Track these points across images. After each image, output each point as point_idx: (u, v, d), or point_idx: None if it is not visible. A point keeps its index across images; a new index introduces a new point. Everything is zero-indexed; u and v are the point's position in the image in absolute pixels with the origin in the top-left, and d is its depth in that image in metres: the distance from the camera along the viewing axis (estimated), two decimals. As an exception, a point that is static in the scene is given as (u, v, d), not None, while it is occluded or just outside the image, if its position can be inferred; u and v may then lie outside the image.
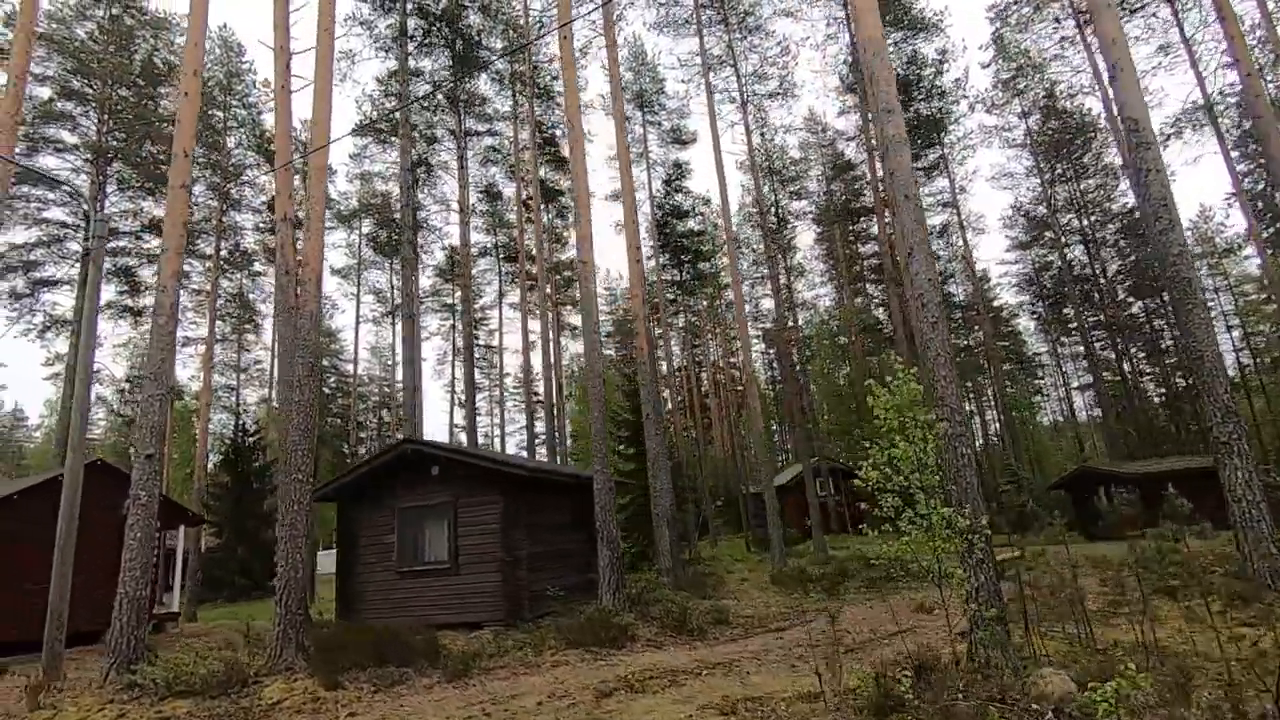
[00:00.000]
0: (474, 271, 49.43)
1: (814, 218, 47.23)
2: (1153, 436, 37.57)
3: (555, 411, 34.61)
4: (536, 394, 69.49)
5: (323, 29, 10.44)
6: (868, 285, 50.42)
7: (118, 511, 17.61)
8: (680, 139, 34.94)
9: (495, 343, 55.57)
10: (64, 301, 31.47)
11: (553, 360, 32.59)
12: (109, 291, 32.94)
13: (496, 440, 53.13)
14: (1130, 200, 39.83)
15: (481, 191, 36.13)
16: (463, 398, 62.81)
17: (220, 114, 32.55)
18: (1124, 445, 36.04)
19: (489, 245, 41.95)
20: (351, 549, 11.72)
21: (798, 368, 42.49)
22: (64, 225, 29.16)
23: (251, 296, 44.41)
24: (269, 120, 35.16)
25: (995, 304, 50.25)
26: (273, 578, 28.30)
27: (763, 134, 33.20)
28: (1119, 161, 38.45)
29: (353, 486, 11.72)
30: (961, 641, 6.62)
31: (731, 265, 21.41)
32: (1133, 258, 41.22)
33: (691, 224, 37.40)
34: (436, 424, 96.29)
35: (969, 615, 5.45)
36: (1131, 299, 42.99)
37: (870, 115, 29.08)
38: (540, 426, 37.36)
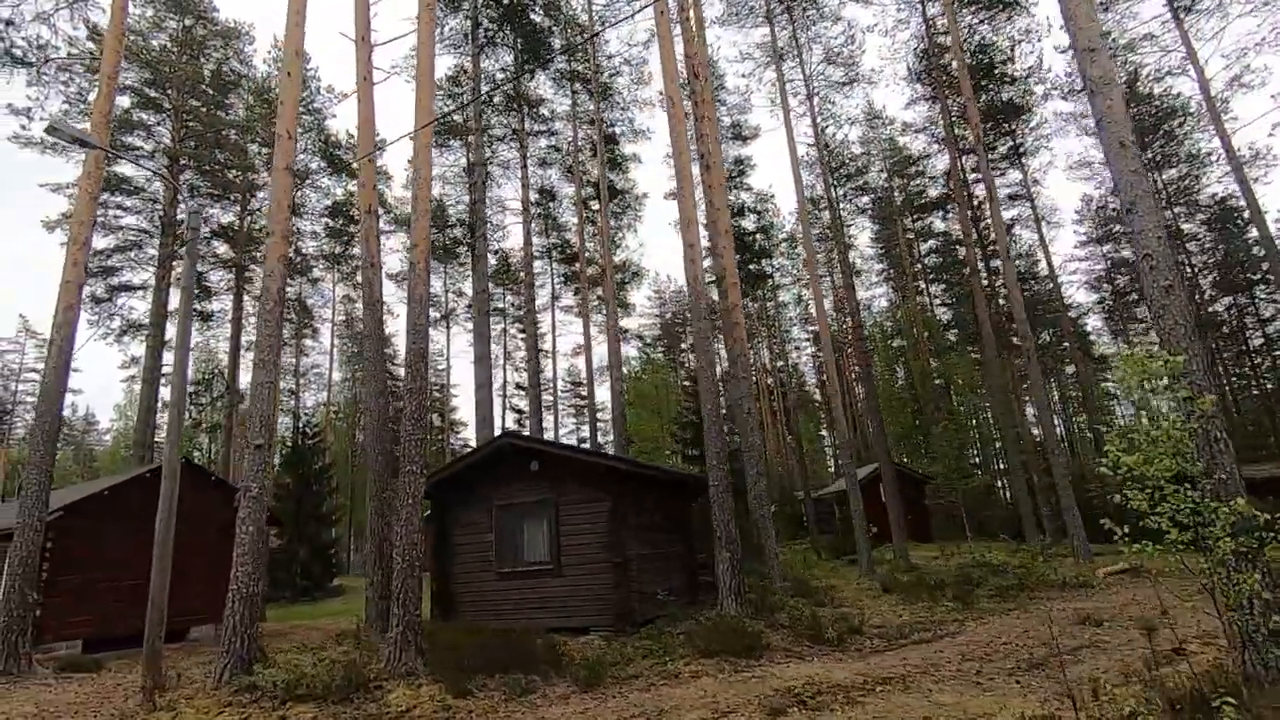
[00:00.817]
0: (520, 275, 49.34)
1: (872, 214, 45.81)
2: (1246, 440, 35.18)
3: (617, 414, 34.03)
4: (583, 397, 69.07)
5: (424, 6, 10.07)
6: (928, 284, 48.79)
7: (201, 511, 17.69)
8: (741, 135, 34.18)
9: (547, 346, 55.47)
10: (139, 306, 32.32)
11: (610, 362, 32.14)
12: (176, 297, 33.76)
13: (549, 443, 52.96)
14: (1219, 190, 37.61)
15: (537, 192, 35.91)
16: (514, 401, 62.82)
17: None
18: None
19: (541, 247, 41.68)
20: (446, 548, 11.27)
21: (856, 371, 41.19)
22: (141, 231, 29.89)
23: (310, 302, 45.19)
24: (333, 125, 35.88)
25: (1065, 303, 48.06)
26: (332, 579, 28.08)
27: (825, 129, 32.12)
28: (1208, 147, 36.35)
29: (449, 482, 11.28)
30: (1179, 659, 5.72)
31: (810, 263, 20.53)
32: (1220, 251, 38.86)
33: (747, 223, 36.63)
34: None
35: (1243, 628, 4.57)
36: (1215, 295, 40.47)
37: (950, 100, 27.86)
38: (586, 430, 36.79)
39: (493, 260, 47.53)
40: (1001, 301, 28.64)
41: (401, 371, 55.04)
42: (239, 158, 31.77)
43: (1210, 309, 40.31)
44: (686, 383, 38.33)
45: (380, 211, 40.14)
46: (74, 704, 8.57)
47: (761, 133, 36.37)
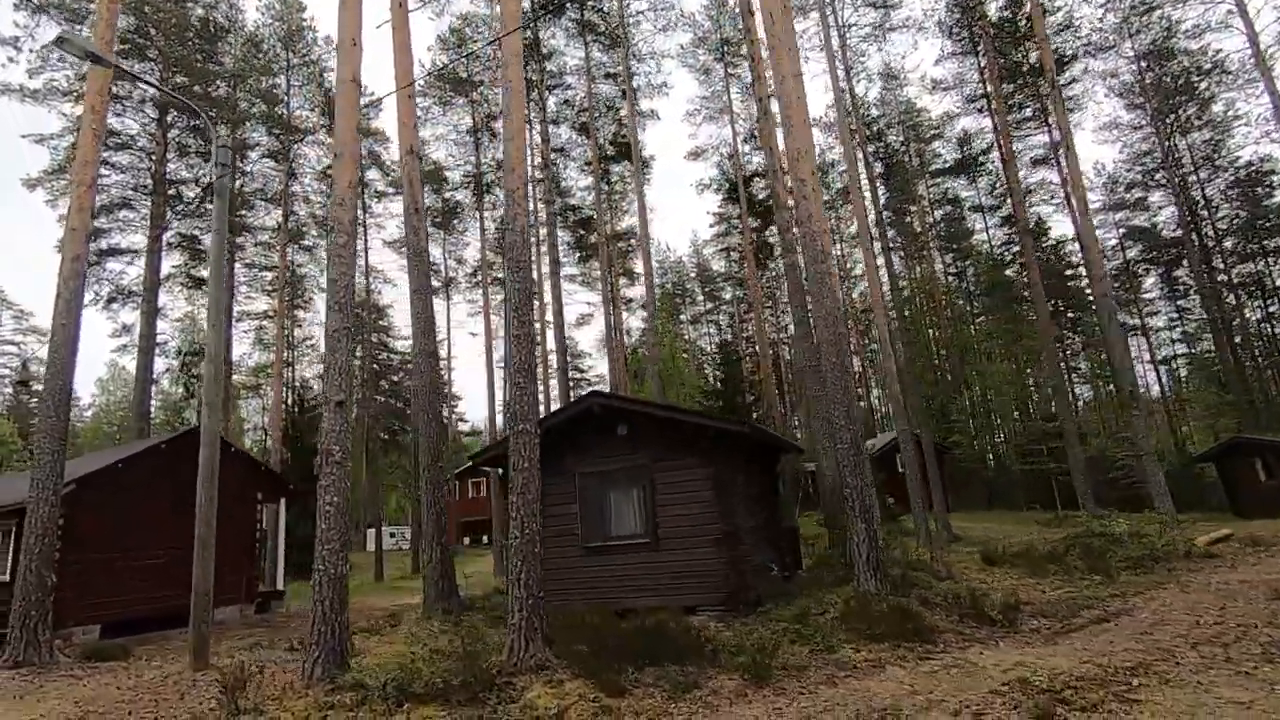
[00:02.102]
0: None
1: (885, 179, 44.42)
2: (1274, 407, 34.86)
3: (621, 386, 32.99)
4: (581, 370, 67.77)
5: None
6: (942, 253, 47.91)
7: (222, 484, 16.32)
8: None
9: (549, 318, 54.04)
10: (130, 272, 30.41)
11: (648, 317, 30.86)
12: (171, 260, 31.88)
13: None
14: (1245, 155, 36.75)
15: (555, 151, 34.17)
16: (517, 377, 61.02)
17: (282, 80, 30.95)
18: (1236, 416, 33.28)
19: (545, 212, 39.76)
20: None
21: (868, 340, 40.23)
22: (133, 190, 27.92)
23: (304, 271, 43.15)
24: (332, 78, 33.61)
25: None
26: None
27: (857, 82, 30.63)
28: (1245, 108, 35.39)
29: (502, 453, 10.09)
30: None
31: (861, 229, 19.32)
32: (1243, 215, 38.14)
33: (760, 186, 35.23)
34: (478, 404, 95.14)
35: None
36: (1237, 260, 39.86)
37: (986, 57, 26.37)
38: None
39: (490, 226, 45.80)
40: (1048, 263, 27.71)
41: (398, 344, 52.78)
42: (228, 112, 29.72)
43: (1229, 276, 39.70)
44: (715, 351, 37.06)
45: (370, 179, 38.27)
46: (123, 703, 7.40)
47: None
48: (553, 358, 35.95)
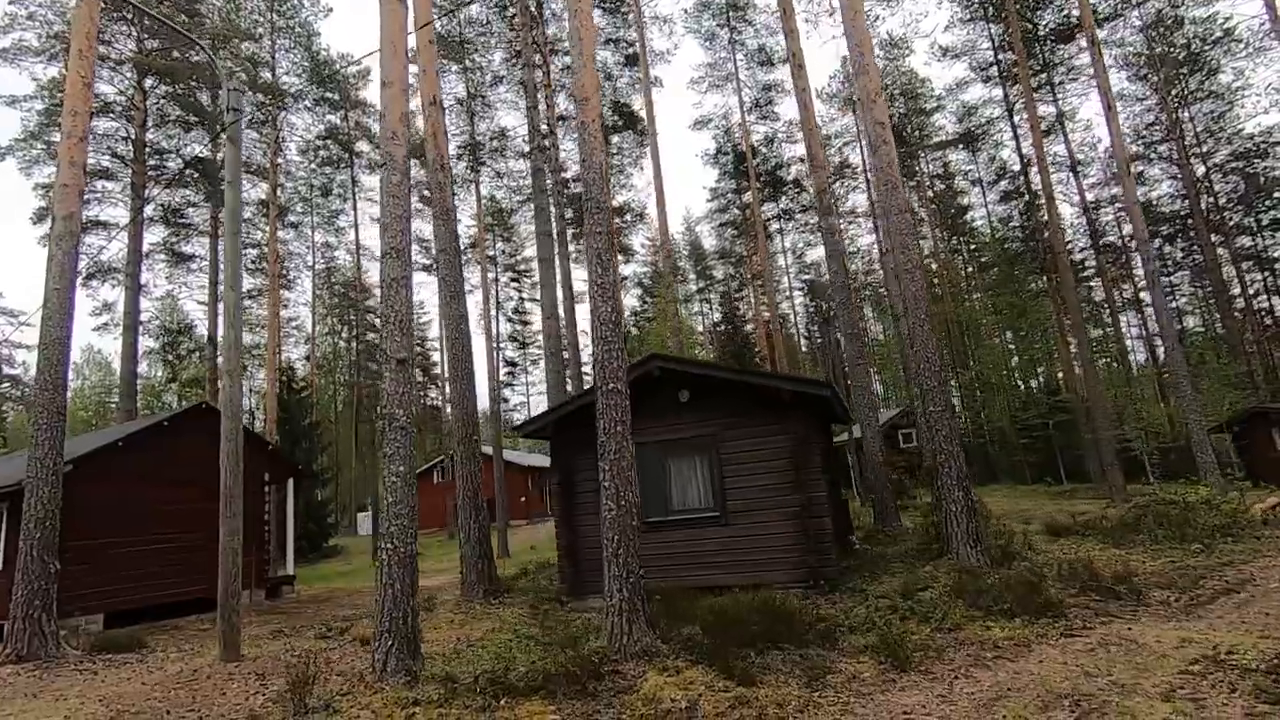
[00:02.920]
0: (512, 221, 46.46)
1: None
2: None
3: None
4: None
5: None
6: (941, 229, 47.37)
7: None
8: (769, 59, 31.65)
9: (539, 296, 53.05)
10: (110, 247, 28.91)
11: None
12: (154, 234, 30.40)
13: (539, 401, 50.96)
14: (1248, 127, 36.55)
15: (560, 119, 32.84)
16: (508, 354, 60.24)
17: (268, 41, 29.33)
18: (1243, 389, 33.29)
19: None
20: (572, 496, 9.42)
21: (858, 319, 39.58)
22: (113, 158, 26.38)
23: (287, 250, 41.56)
24: (326, 28, 32.06)
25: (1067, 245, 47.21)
26: (328, 539, 25.76)
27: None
28: (1256, 79, 34.94)
29: (572, 419, 9.35)
30: None
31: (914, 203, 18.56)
32: (1241, 188, 38.01)
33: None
34: (483, 384, 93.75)
35: None
36: (1237, 233, 39.79)
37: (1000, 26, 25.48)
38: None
39: (492, 193, 44.48)
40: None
41: (379, 322, 52.21)
42: (210, 78, 28.07)
43: (1230, 249, 39.65)
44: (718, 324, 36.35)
45: (360, 150, 36.78)
46: (156, 701, 6.62)
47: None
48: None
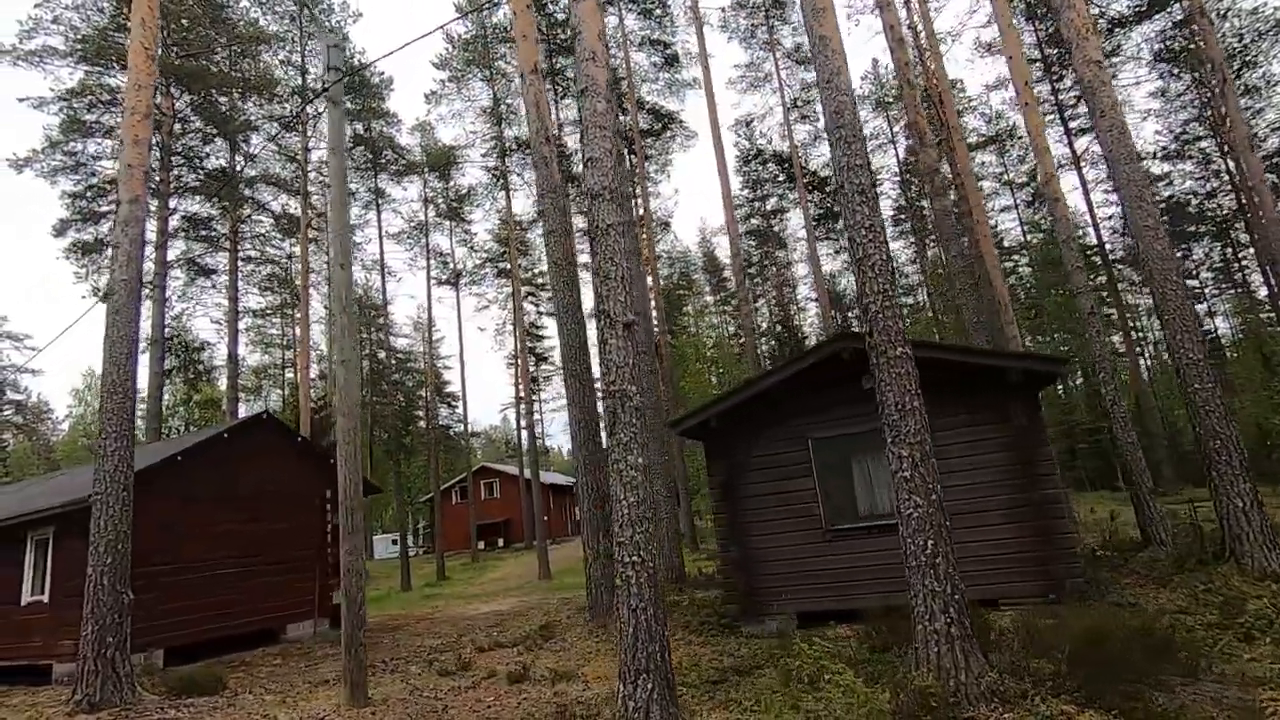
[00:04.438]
0: (529, 237, 45.14)
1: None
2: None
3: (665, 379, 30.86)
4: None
5: None
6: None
7: (291, 482, 13.98)
8: (805, 59, 30.77)
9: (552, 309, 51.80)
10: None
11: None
12: (176, 248, 29.14)
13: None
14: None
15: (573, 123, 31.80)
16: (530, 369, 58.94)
17: (299, 43, 28.27)
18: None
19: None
20: (740, 502, 8.11)
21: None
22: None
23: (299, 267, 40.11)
24: (355, 37, 30.92)
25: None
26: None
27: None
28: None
29: (738, 412, 8.09)
30: None
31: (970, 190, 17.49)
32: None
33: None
34: (484, 401, 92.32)
35: None
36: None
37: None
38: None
39: (525, 193, 43.27)
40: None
41: (398, 341, 49.74)
42: (241, 83, 27.03)
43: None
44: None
45: (392, 155, 35.73)
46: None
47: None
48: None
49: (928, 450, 4.84)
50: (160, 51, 24.74)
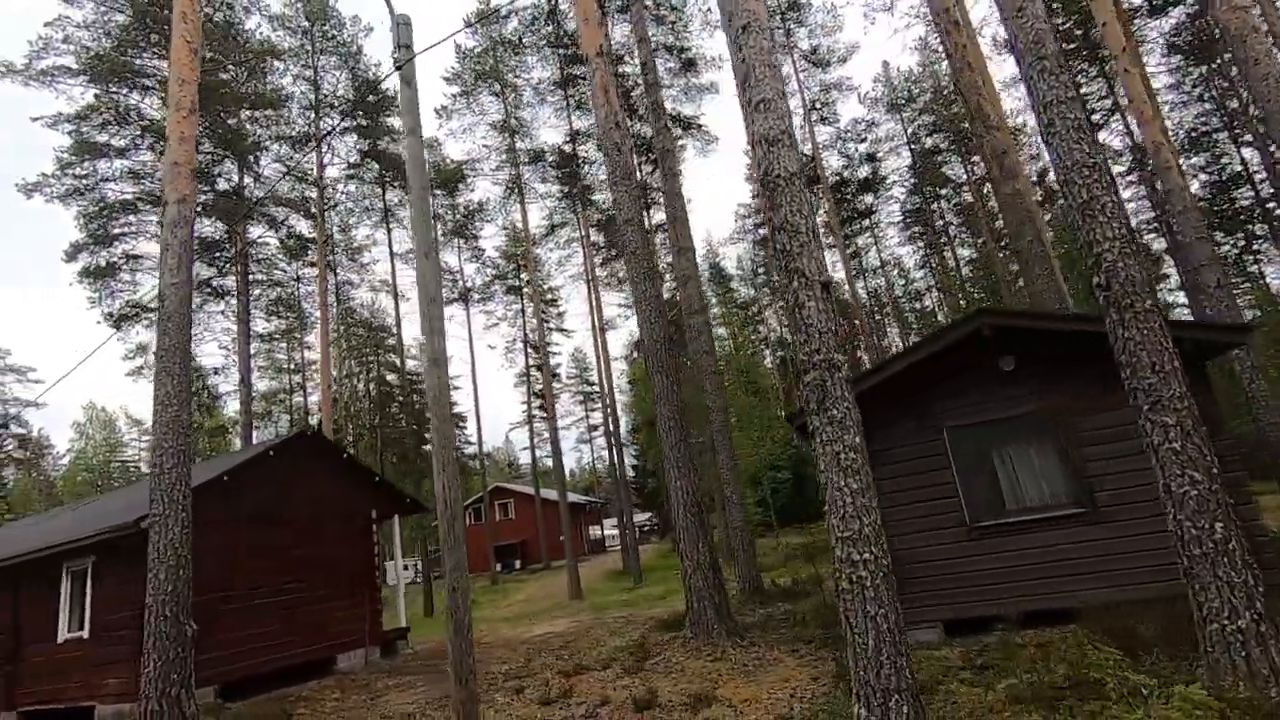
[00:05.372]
0: (540, 252, 44.58)
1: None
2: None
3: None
4: (591, 383, 64.89)
5: None
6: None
7: (340, 502, 13.10)
8: (822, 61, 30.42)
9: (571, 325, 51.08)
10: (144, 283, 26.88)
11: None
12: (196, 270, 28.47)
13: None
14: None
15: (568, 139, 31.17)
16: (539, 386, 58.31)
17: (310, 69, 27.78)
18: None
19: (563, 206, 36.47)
20: (881, 495, 7.38)
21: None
22: (143, 196, 24.41)
23: (307, 290, 39.28)
24: (368, 48, 30.40)
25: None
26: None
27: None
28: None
29: (887, 389, 7.31)
30: None
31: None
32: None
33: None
34: (494, 421, 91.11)
35: None
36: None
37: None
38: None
39: (504, 238, 42.81)
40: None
41: (408, 363, 48.72)
42: (245, 101, 26.39)
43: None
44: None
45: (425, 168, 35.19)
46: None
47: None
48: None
49: (1197, 417, 4.15)
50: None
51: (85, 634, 10.37)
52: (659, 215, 29.83)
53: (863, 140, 32.98)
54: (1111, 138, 31.72)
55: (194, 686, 7.59)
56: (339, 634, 12.34)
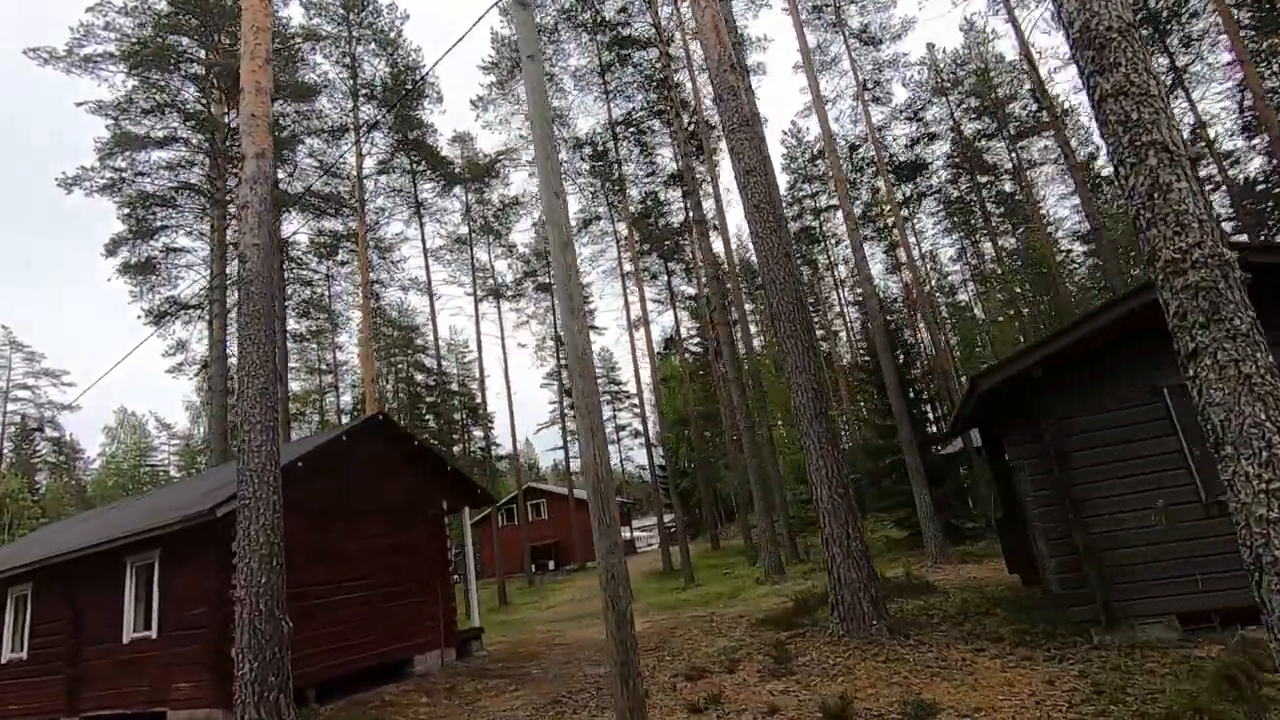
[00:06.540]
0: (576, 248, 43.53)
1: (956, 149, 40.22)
2: None
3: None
4: (618, 382, 63.87)
5: None
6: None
7: (410, 494, 12.16)
8: (872, 39, 29.26)
9: (599, 323, 50.22)
10: (185, 277, 26.30)
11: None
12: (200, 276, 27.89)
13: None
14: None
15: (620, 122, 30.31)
16: (569, 386, 57.04)
17: (349, 54, 27.12)
18: None
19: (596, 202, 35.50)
20: (1072, 474, 6.33)
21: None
22: (182, 186, 23.76)
23: (339, 288, 38.51)
24: (408, 32, 29.58)
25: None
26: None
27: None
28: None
29: (1056, 363, 6.36)
30: None
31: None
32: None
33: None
34: (520, 420, 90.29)
35: None
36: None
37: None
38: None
39: (533, 234, 41.96)
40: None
41: (434, 362, 47.74)
42: (282, 90, 25.75)
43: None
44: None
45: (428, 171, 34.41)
46: None
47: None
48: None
49: None
50: (205, 54, 23.69)
51: (153, 634, 9.56)
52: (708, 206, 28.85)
53: (917, 119, 31.75)
54: None
55: (292, 690, 6.71)
56: (414, 634, 11.46)
